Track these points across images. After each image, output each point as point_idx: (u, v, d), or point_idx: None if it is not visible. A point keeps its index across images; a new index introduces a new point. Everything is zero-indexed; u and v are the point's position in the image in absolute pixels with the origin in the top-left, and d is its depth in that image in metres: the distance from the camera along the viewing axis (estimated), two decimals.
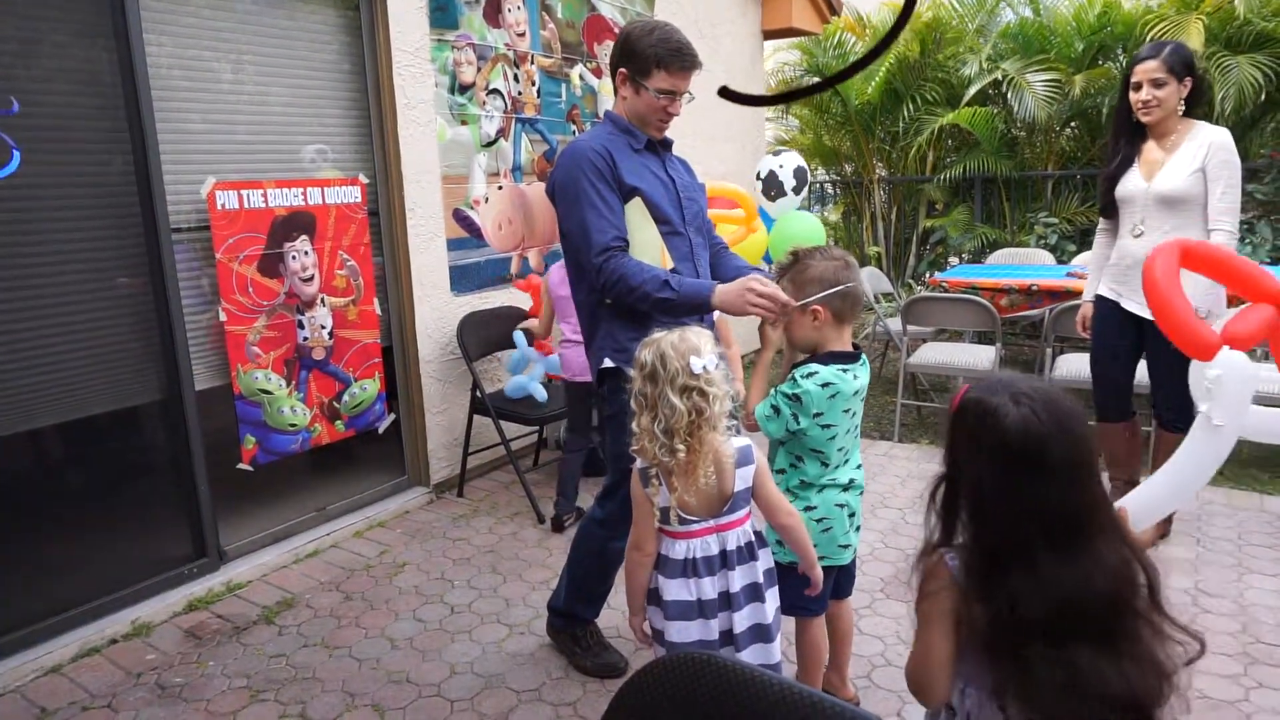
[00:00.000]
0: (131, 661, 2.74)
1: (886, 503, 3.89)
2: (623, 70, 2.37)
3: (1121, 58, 6.81)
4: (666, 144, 2.51)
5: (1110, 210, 3.31)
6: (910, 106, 7.37)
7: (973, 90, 6.93)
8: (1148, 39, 6.18)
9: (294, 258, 3.34)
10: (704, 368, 1.77)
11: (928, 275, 6.66)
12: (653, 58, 2.30)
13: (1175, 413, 3.17)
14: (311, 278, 3.41)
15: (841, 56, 7.69)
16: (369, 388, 3.68)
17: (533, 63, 4.40)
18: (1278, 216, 6.27)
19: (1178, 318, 1.95)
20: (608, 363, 2.38)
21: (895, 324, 5.14)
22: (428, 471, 4.01)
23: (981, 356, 4.66)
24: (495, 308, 4.21)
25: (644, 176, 2.38)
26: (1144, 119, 3.06)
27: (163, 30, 2.99)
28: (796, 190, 4.87)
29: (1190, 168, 3.01)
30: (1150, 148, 3.14)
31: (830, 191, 9.00)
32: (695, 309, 2.26)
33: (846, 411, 2.10)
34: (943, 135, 7.49)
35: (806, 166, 4.93)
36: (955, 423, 1.29)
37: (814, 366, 2.08)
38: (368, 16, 3.62)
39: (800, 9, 6.36)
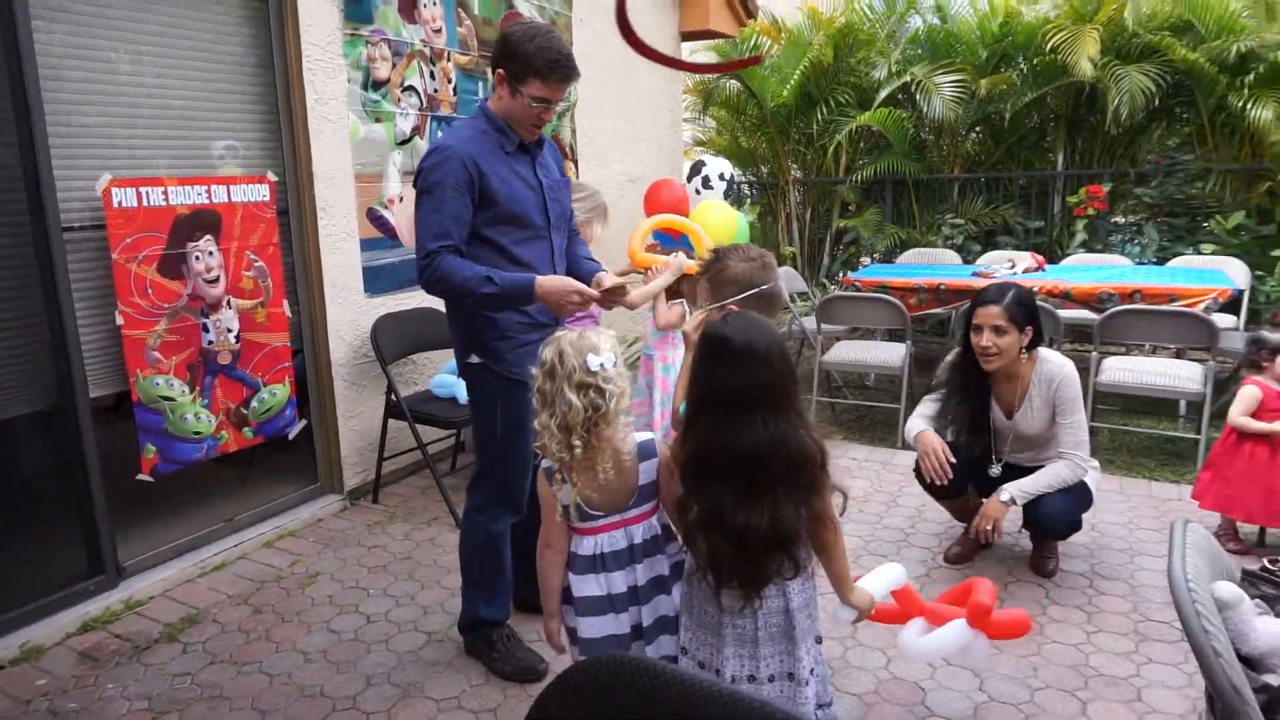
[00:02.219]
0: (21, 688, 2.59)
1: None
2: (501, 71, 2.37)
3: (1022, 65, 7.09)
4: (540, 141, 2.51)
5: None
6: (824, 109, 7.52)
7: (884, 93, 7.11)
8: (1048, 47, 6.46)
9: (197, 258, 3.21)
10: (601, 365, 1.80)
11: (841, 275, 6.83)
12: (531, 66, 2.30)
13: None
14: (217, 279, 3.28)
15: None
16: (279, 392, 3.56)
17: (449, 60, 4.33)
18: (1164, 219, 6.63)
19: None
20: (474, 359, 2.48)
21: (810, 323, 5.25)
22: (341, 478, 3.91)
23: (893, 354, 4.80)
24: (411, 309, 4.13)
25: (512, 184, 2.40)
26: (985, 366, 3.00)
27: (54, 16, 2.83)
28: (702, 186, 4.94)
29: (1043, 408, 3.02)
30: (1000, 385, 3.11)
31: (747, 192, 9.12)
32: (519, 301, 2.36)
33: None
34: (855, 137, 7.67)
35: (705, 160, 5.01)
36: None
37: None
38: (276, 8, 3.50)
39: (718, 12, 6.42)
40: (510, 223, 2.41)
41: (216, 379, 3.32)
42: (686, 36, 6.54)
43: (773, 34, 7.79)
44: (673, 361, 3.62)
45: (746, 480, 1.66)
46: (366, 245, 3.95)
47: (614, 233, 5.65)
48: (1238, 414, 3.24)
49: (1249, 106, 5.95)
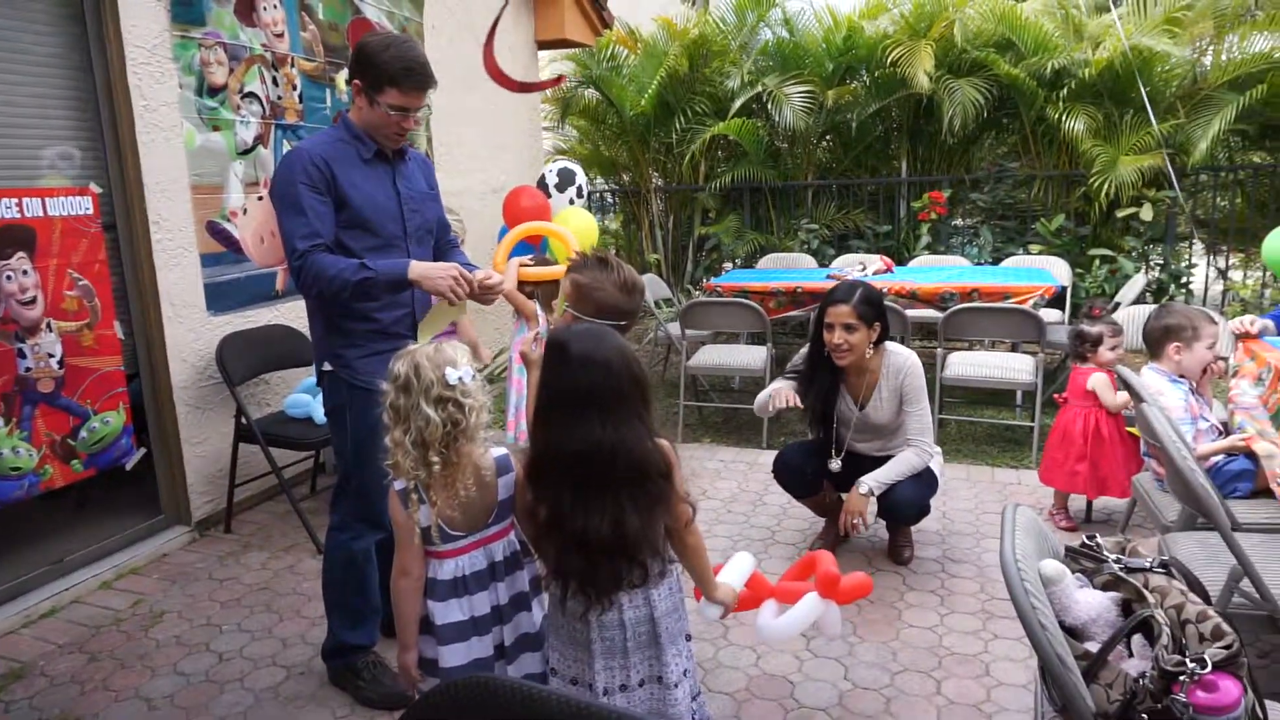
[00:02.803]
0: None
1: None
2: (357, 81, 2.35)
3: (865, 77, 7.45)
4: (401, 152, 2.49)
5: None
6: (682, 118, 7.67)
7: (738, 103, 7.32)
8: (888, 61, 6.81)
9: (9, 278, 2.94)
10: (460, 379, 1.75)
11: (704, 280, 6.97)
12: (386, 75, 2.29)
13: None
14: (33, 300, 3.01)
15: (615, 69, 7.87)
16: (112, 421, 3.31)
17: (293, 65, 4.15)
18: (997, 222, 7.13)
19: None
20: (326, 366, 2.44)
21: (675, 328, 5.33)
22: (188, 508, 3.67)
23: (755, 356, 4.93)
24: (260, 327, 3.92)
25: (364, 189, 2.38)
26: (838, 362, 3.12)
27: None
28: (560, 189, 4.95)
29: (892, 398, 3.19)
30: (851, 379, 3.25)
31: (610, 200, 9.19)
32: (395, 286, 2.34)
33: None
34: (713, 146, 7.86)
35: (574, 168, 5.01)
36: None
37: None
38: (92, 6, 3.25)
39: (573, 20, 6.44)
40: (362, 228, 2.37)
41: (37, 409, 3.04)
42: (543, 45, 6.53)
43: (629, 44, 7.89)
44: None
45: (586, 482, 1.66)
46: (208, 260, 3.73)
47: (477, 240, 5.57)
48: (1110, 399, 3.48)
49: (1064, 118, 6.47)
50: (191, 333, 3.65)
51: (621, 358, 1.69)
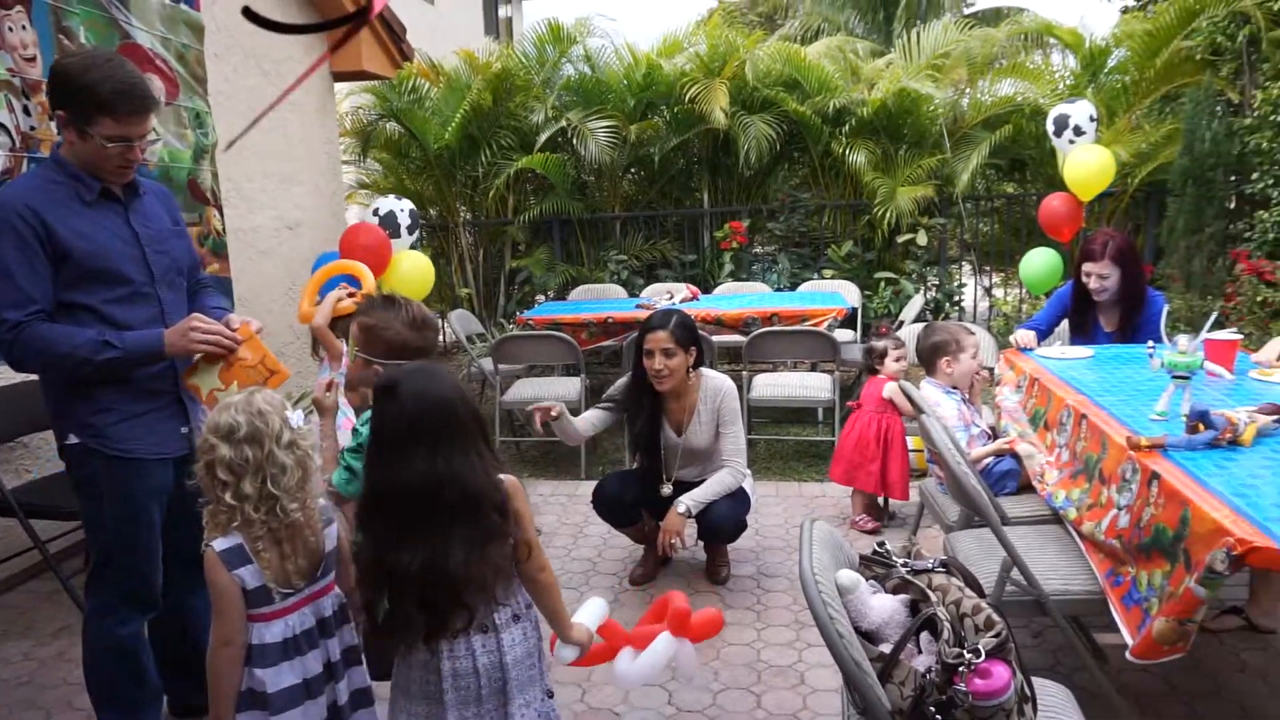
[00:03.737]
0: None
1: None
2: (61, 113, 2.04)
3: (666, 112, 7.73)
4: (133, 186, 2.20)
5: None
6: (488, 151, 7.63)
7: (543, 137, 7.38)
8: (686, 98, 7.11)
9: None
10: (298, 422, 1.71)
11: (517, 314, 6.93)
12: (94, 101, 1.98)
13: None
14: None
15: (417, 101, 7.73)
16: None
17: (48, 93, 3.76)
18: (793, 249, 7.57)
19: None
20: (72, 439, 2.13)
21: (489, 363, 5.25)
22: None
23: (569, 388, 4.94)
24: (16, 384, 3.49)
25: (91, 236, 2.07)
26: (659, 388, 3.21)
27: None
28: (410, 229, 4.81)
29: (710, 422, 3.31)
30: (670, 405, 3.34)
31: (418, 236, 8.98)
32: (146, 361, 2.10)
33: None
34: (521, 179, 7.86)
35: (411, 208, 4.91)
36: None
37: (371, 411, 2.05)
38: None
39: (370, 53, 6.25)
40: (98, 280, 2.07)
41: None
42: (339, 77, 6.30)
43: (430, 76, 7.78)
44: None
45: (415, 519, 1.60)
46: None
47: (269, 282, 5.27)
48: (906, 405, 3.72)
49: (847, 152, 7.00)
50: None
51: (457, 392, 1.67)
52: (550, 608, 1.83)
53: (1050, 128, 5.47)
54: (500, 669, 1.69)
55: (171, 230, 2.29)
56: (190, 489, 1.75)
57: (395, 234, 4.85)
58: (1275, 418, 2.19)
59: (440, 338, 7.88)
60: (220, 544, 1.67)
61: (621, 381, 3.43)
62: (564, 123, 7.38)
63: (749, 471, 3.42)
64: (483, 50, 7.95)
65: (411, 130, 7.66)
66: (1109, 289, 3.52)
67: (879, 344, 3.98)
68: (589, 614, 2.01)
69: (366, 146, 7.99)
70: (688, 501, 3.17)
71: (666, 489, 3.35)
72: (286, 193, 5.52)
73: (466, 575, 1.61)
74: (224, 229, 4.73)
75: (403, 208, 4.86)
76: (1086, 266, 3.53)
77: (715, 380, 3.31)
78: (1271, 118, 5.70)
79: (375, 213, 4.90)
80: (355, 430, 2.04)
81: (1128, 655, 1.93)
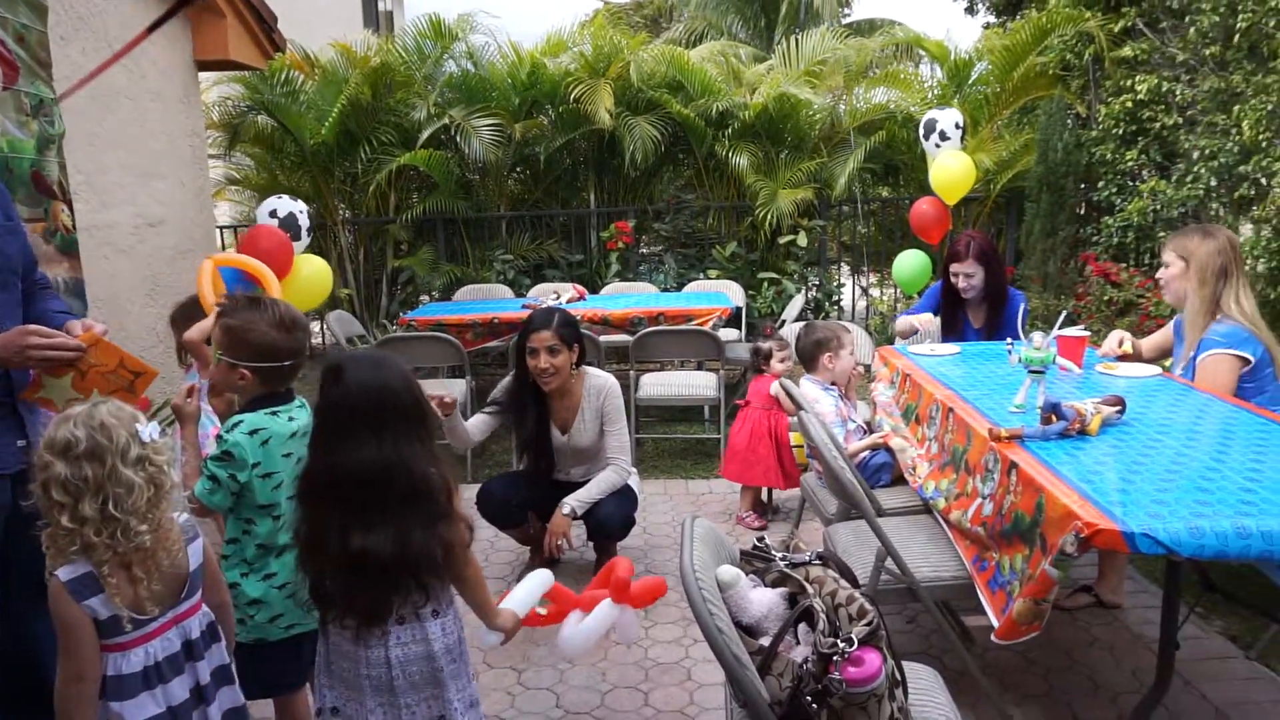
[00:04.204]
0: None
1: None
2: None
3: (551, 111, 7.69)
4: None
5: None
6: (368, 148, 7.40)
7: (425, 134, 7.21)
8: (571, 97, 7.08)
9: None
10: (151, 436, 1.57)
11: (400, 315, 6.75)
12: None
13: None
14: None
15: (291, 94, 7.42)
16: None
17: None
18: (680, 249, 7.66)
19: None
20: None
21: None
22: None
23: (455, 388, 4.84)
24: None
25: None
26: (545, 387, 3.20)
27: None
28: (309, 232, 4.61)
29: (594, 420, 3.31)
30: (555, 404, 3.33)
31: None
32: None
33: (287, 456, 2.00)
34: (403, 176, 7.67)
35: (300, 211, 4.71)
36: None
37: (237, 417, 1.96)
38: None
39: (238, 42, 5.94)
40: None
41: None
42: (204, 66, 5.97)
43: (304, 69, 7.48)
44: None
45: (361, 503, 1.65)
46: None
47: (128, 283, 4.95)
48: (789, 403, 3.81)
49: (730, 155, 7.14)
50: None
51: (402, 379, 1.73)
52: (477, 599, 1.87)
53: (921, 131, 5.74)
54: (427, 660, 1.73)
55: (4, 226, 2.10)
56: (27, 510, 1.59)
57: (296, 237, 4.66)
58: (1118, 409, 2.36)
59: (319, 340, 7.60)
60: (65, 573, 1.53)
61: (504, 383, 3.38)
62: (447, 120, 7.24)
63: (634, 469, 3.44)
64: (361, 43, 7.69)
65: (285, 124, 7.35)
66: (975, 286, 3.73)
67: (765, 345, 4.07)
68: (527, 590, 2.06)
69: (235, 140, 7.61)
70: (572, 502, 3.16)
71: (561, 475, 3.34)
72: (146, 187, 5.19)
73: (424, 553, 1.67)
74: (74, 225, 4.42)
75: (301, 209, 4.69)
76: (954, 266, 3.73)
77: (598, 379, 3.31)
78: (1114, 130, 6.15)
79: (273, 214, 4.69)
80: (220, 438, 1.93)
81: (992, 637, 2.04)
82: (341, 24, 12.80)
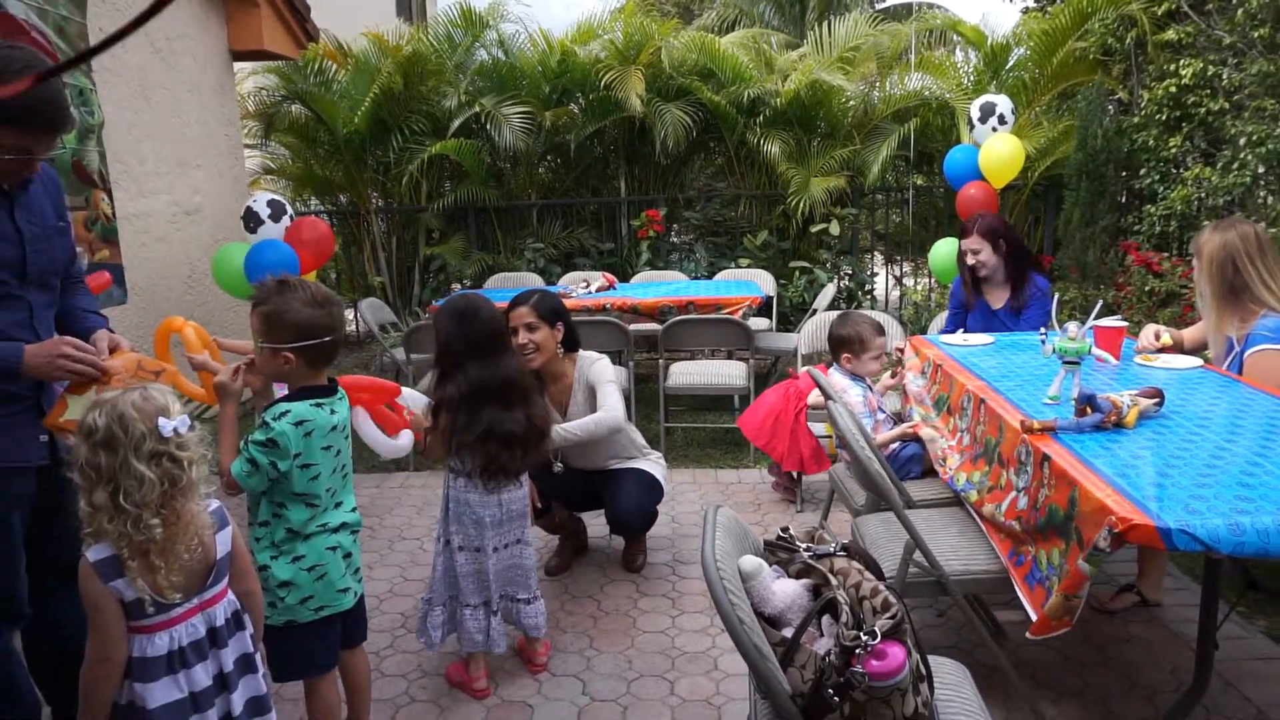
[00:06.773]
0: None
1: (404, 535, 3.85)
2: None
3: (581, 99, 7.67)
4: (24, 181, 2.00)
5: None
6: (399, 137, 7.45)
7: (456, 123, 7.24)
8: (602, 84, 7.06)
9: None
10: (175, 430, 1.56)
11: (431, 303, 6.79)
12: None
13: None
14: None
15: (324, 84, 7.48)
16: None
17: None
18: (710, 238, 7.62)
19: None
20: None
21: (401, 353, 5.14)
22: None
23: None
24: None
25: None
26: (529, 365, 3.12)
27: None
28: (274, 219, 4.59)
29: (586, 398, 3.26)
30: (550, 389, 3.28)
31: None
32: (3, 378, 1.93)
33: (327, 449, 2.01)
34: (435, 165, 7.70)
35: (281, 199, 4.71)
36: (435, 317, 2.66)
37: (284, 405, 1.97)
38: None
39: (272, 31, 6.02)
40: None
41: None
42: (239, 56, 6.05)
43: (338, 58, 7.54)
44: None
45: (510, 398, 2.54)
46: None
47: (167, 270, 5.03)
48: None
49: (762, 143, 7.07)
50: None
51: (490, 308, 2.60)
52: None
53: (975, 114, 5.63)
54: (523, 499, 2.68)
55: (55, 227, 2.10)
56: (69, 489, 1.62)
57: (258, 224, 4.65)
58: (1156, 401, 2.30)
59: (352, 327, 7.67)
60: (94, 553, 1.56)
61: None
62: (477, 108, 7.25)
63: (658, 455, 3.42)
64: (393, 32, 7.73)
65: (319, 114, 7.41)
66: (985, 264, 3.71)
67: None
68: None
69: (270, 129, 7.69)
70: (561, 431, 3.09)
71: (558, 466, 3.33)
72: (183, 176, 5.27)
73: (539, 429, 2.61)
74: (114, 213, 4.50)
75: (255, 199, 4.73)
76: (962, 244, 3.75)
77: (589, 357, 3.31)
78: (1156, 116, 6.00)
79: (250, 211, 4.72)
80: (265, 424, 1.94)
81: (1027, 634, 2.00)
82: (374, 13, 12.88)
